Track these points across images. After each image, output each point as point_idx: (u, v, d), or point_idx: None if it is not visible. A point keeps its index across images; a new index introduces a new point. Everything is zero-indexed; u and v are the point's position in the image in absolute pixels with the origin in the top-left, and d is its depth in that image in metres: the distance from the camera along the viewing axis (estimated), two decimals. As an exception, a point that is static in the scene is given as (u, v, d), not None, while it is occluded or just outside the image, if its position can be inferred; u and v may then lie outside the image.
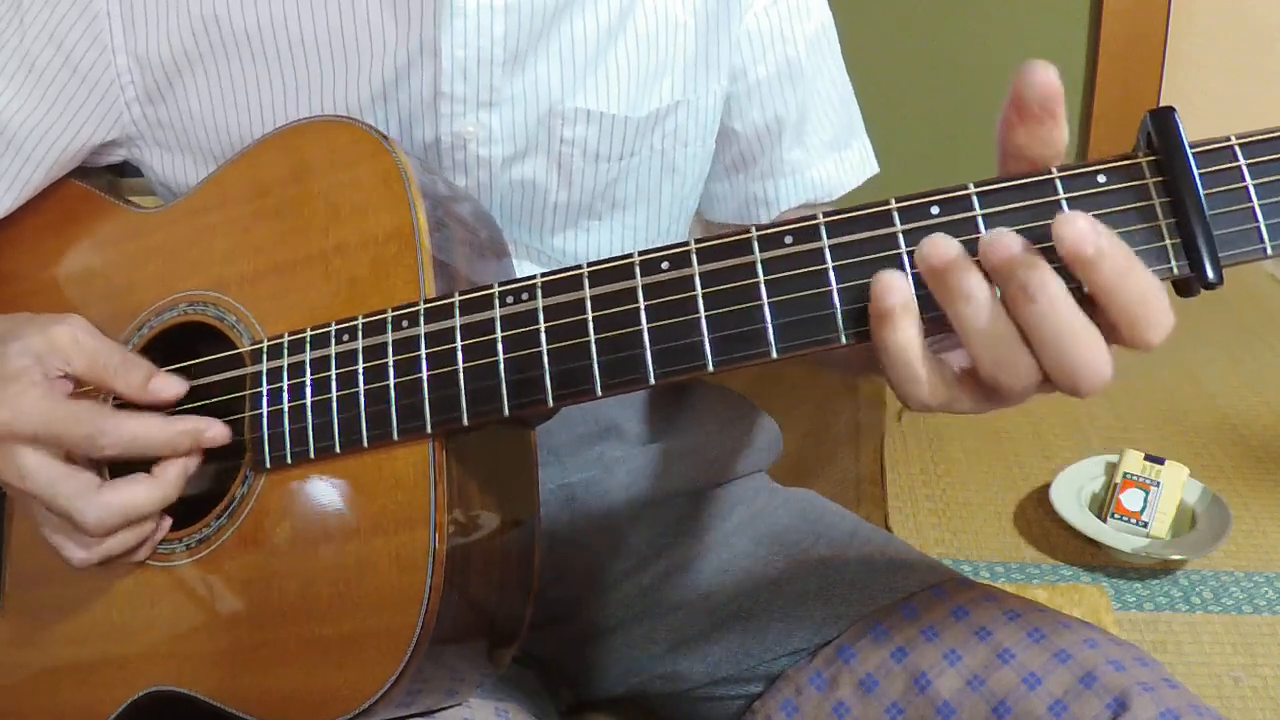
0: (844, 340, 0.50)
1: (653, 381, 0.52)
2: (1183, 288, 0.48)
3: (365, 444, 0.58)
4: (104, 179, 0.77)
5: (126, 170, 0.78)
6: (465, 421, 0.56)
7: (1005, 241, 0.45)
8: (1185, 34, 2.45)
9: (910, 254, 0.49)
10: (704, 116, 0.76)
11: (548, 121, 0.71)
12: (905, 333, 0.47)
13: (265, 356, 0.63)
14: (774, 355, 0.51)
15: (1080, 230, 0.43)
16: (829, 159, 0.82)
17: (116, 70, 0.69)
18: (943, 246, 0.46)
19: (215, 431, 0.63)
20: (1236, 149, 0.47)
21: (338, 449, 0.59)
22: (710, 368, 0.51)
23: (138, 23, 0.68)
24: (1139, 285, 0.44)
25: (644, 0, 0.72)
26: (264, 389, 0.62)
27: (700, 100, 0.75)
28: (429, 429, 0.57)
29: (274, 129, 0.67)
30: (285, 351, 0.62)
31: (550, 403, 0.54)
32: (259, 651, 0.61)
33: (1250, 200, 0.47)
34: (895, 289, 0.47)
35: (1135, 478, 1.63)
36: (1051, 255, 0.45)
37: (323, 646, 0.59)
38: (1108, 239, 0.44)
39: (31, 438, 0.59)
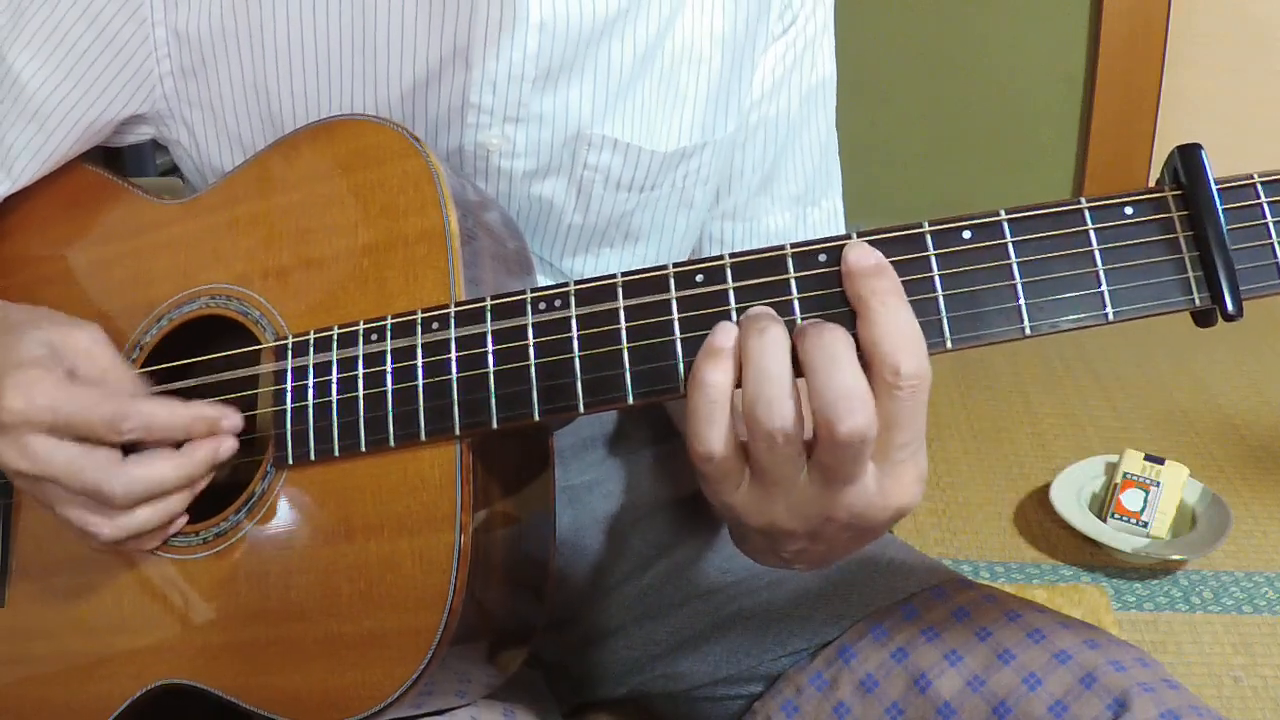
0: None
1: (684, 392, 0.53)
2: (1200, 318, 0.50)
3: (392, 443, 0.58)
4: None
5: (129, 169, 0.78)
6: (494, 425, 0.56)
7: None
8: (1185, 34, 2.45)
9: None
10: (725, 155, 0.76)
11: (573, 145, 0.70)
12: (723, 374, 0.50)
13: (290, 353, 0.62)
14: None
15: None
16: (789, 211, 0.81)
17: (155, 42, 0.68)
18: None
19: (232, 421, 0.62)
20: (1259, 187, 0.48)
21: (363, 448, 0.59)
22: None
23: None
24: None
25: (674, 32, 0.71)
26: (288, 385, 0.62)
27: (724, 140, 0.75)
28: (457, 431, 0.57)
29: (304, 125, 0.66)
30: (311, 349, 0.62)
31: (582, 409, 0.55)
32: (275, 648, 0.61)
33: (1271, 237, 0.48)
34: (726, 331, 0.51)
35: (1135, 478, 1.63)
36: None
37: (341, 645, 0.59)
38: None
39: (46, 426, 0.59)
